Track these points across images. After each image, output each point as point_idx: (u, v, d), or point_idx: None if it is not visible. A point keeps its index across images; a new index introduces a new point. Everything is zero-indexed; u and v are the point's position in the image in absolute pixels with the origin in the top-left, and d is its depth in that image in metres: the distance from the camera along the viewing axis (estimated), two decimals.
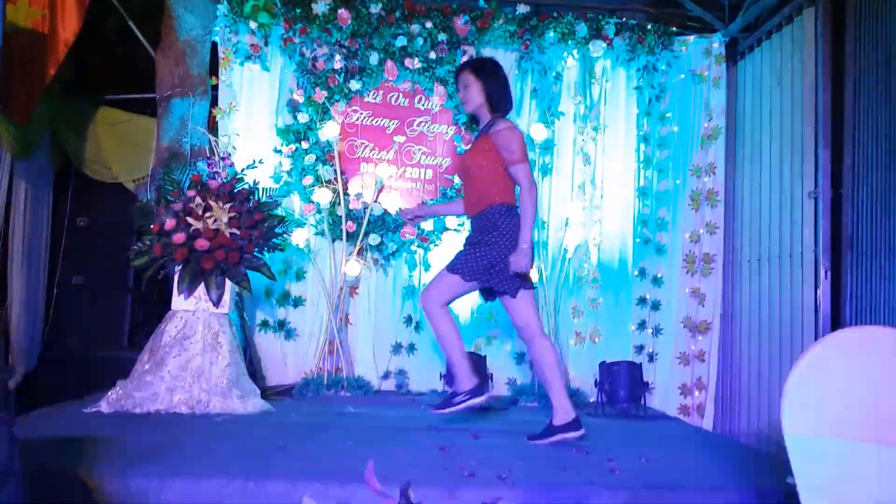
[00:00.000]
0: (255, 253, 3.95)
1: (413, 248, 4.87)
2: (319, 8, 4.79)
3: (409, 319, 4.92)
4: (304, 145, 4.81)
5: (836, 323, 3.91)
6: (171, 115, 4.54)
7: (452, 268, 3.30)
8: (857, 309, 3.81)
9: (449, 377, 4.40)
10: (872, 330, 2.44)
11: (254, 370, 4.55)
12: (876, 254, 3.68)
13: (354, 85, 4.88)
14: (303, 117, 4.82)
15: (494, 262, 3.22)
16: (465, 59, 4.91)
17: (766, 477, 2.70)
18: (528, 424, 3.84)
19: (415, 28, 4.86)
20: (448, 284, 3.31)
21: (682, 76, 5.13)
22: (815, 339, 3.93)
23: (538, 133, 4.98)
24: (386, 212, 4.84)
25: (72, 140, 5.79)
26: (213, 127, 4.83)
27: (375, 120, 4.99)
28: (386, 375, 4.88)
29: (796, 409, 2.02)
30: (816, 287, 4.08)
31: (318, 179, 4.78)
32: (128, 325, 6.24)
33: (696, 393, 4.93)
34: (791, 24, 4.48)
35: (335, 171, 4.75)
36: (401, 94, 5.04)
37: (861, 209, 3.82)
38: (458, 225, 4.89)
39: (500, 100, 3.36)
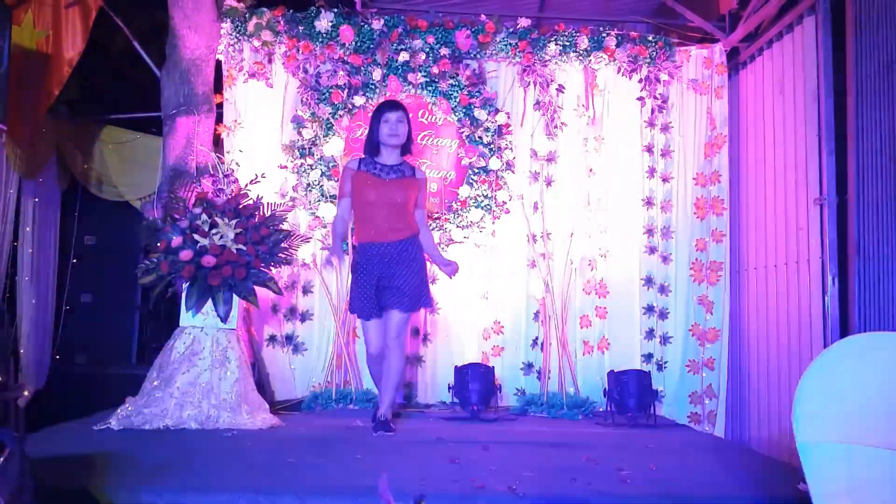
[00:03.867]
0: (261, 268, 3.96)
1: None
2: (322, 25, 4.83)
3: (416, 332, 4.93)
4: (309, 161, 4.84)
5: (845, 329, 3.90)
6: (176, 134, 4.57)
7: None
8: (866, 315, 3.80)
9: (457, 389, 4.40)
10: (882, 335, 2.43)
11: (262, 385, 4.55)
12: (883, 259, 3.68)
13: (358, 100, 4.91)
14: (307, 133, 4.84)
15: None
16: (467, 73, 4.94)
17: (779, 484, 2.69)
18: (539, 435, 3.84)
19: (417, 43, 4.89)
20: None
21: (685, 86, 5.15)
22: (825, 345, 3.92)
23: (541, 145, 5.00)
24: None
25: (78, 159, 5.83)
26: (218, 144, 4.87)
27: None
28: None
29: (808, 415, 2.02)
30: (824, 294, 4.07)
31: (323, 195, 4.80)
32: (136, 341, 6.27)
33: (707, 401, 4.91)
34: (792, 32, 4.50)
35: None
36: None
37: (867, 215, 3.81)
38: (464, 237, 4.90)
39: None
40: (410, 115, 4.95)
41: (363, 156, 3.87)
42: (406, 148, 3.85)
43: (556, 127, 5.04)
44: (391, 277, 3.70)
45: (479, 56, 5.03)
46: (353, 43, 4.87)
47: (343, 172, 3.88)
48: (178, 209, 4.03)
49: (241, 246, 3.85)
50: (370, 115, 3.91)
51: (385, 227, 3.71)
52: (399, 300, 3.70)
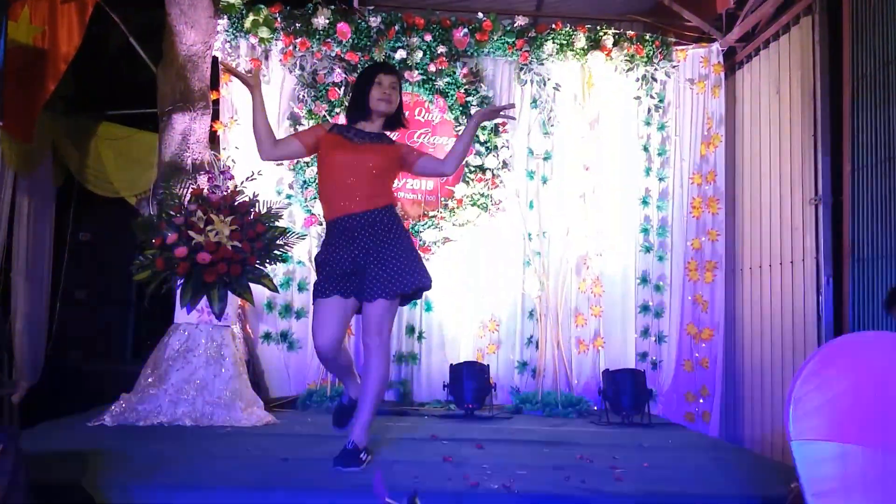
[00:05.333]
0: (257, 265, 3.95)
1: None
2: (319, 22, 4.83)
3: (411, 329, 4.93)
4: (305, 158, 4.82)
5: (839, 329, 3.92)
6: (172, 130, 4.56)
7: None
8: (860, 315, 3.81)
9: (452, 387, 4.40)
10: (875, 335, 2.44)
11: (257, 382, 4.55)
12: (877, 260, 3.69)
13: None
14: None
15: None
16: (464, 71, 4.94)
17: (771, 483, 2.70)
18: (533, 433, 3.84)
19: (414, 41, 4.89)
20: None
21: (681, 85, 5.16)
22: (818, 345, 3.93)
23: (538, 143, 5.00)
24: None
25: (74, 155, 5.82)
26: (214, 141, 4.86)
27: None
28: (388, 386, 4.88)
29: (801, 415, 2.02)
30: (818, 293, 4.08)
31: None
32: (131, 338, 6.26)
33: (701, 400, 4.92)
34: (788, 32, 4.51)
35: None
36: None
37: (862, 215, 3.83)
38: (460, 235, 4.90)
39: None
40: (406, 112, 5.00)
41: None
42: (394, 122, 3.17)
43: (552, 125, 5.04)
44: (366, 257, 2.91)
45: (476, 54, 5.03)
46: (350, 40, 4.87)
47: (312, 127, 3.27)
48: (174, 206, 4.02)
49: (236, 243, 3.84)
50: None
51: (354, 195, 2.95)
52: (382, 286, 2.87)
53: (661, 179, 5.11)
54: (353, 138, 3.06)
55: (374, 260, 2.91)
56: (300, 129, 4.81)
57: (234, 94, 4.95)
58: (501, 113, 3.20)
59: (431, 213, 4.90)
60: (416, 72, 4.91)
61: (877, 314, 3.67)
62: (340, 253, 2.94)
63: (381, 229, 2.94)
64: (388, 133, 3.20)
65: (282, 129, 4.92)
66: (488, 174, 4.91)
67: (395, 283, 2.89)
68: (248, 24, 4.83)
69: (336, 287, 2.93)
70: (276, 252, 4.04)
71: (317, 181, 3.15)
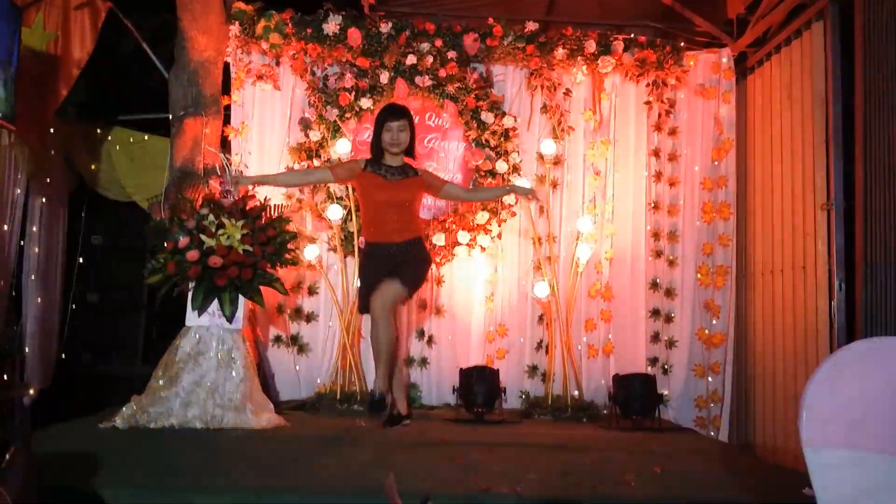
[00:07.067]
0: (268, 269, 3.97)
1: None
2: (330, 28, 4.85)
3: (421, 333, 4.93)
4: (316, 163, 4.84)
5: (852, 334, 3.88)
6: (184, 135, 4.59)
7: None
8: (872, 320, 3.77)
9: (462, 391, 4.40)
10: (889, 340, 2.43)
11: (267, 385, 4.56)
12: (890, 265, 3.66)
13: (365, 103, 4.91)
14: (314, 135, 4.86)
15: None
16: (474, 76, 4.95)
17: (783, 489, 2.68)
18: (543, 438, 3.84)
19: (425, 46, 4.90)
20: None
21: (692, 91, 5.15)
22: (831, 350, 3.90)
23: (548, 148, 5.00)
24: None
25: (86, 160, 5.85)
26: (225, 146, 4.88)
27: None
28: None
29: (814, 420, 2.01)
30: (831, 299, 4.05)
31: (329, 196, 4.81)
32: (142, 341, 6.28)
33: (712, 405, 4.90)
34: (800, 38, 4.49)
35: (346, 187, 4.77)
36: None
37: (874, 220, 3.79)
38: (470, 240, 4.90)
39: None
40: (417, 117, 5.02)
41: (370, 157, 4.02)
42: (409, 151, 4.00)
43: (563, 130, 5.04)
44: (398, 267, 3.84)
45: (486, 59, 5.04)
46: (361, 46, 4.88)
47: (351, 160, 4.35)
48: (186, 210, 4.05)
49: (247, 247, 3.87)
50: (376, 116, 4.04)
51: (391, 228, 3.89)
52: (400, 275, 3.81)
53: (671, 185, 5.10)
54: (386, 175, 3.92)
55: (403, 268, 3.85)
56: (311, 133, 4.84)
57: (245, 99, 4.97)
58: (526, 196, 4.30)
59: (441, 218, 4.90)
60: (427, 77, 4.92)
61: (890, 319, 3.64)
62: (377, 271, 3.86)
63: (411, 257, 3.91)
64: (409, 162, 4.02)
65: (293, 136, 4.94)
66: (498, 179, 4.91)
67: (411, 281, 3.87)
68: (259, 29, 4.85)
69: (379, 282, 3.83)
70: (286, 256, 4.06)
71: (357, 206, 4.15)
